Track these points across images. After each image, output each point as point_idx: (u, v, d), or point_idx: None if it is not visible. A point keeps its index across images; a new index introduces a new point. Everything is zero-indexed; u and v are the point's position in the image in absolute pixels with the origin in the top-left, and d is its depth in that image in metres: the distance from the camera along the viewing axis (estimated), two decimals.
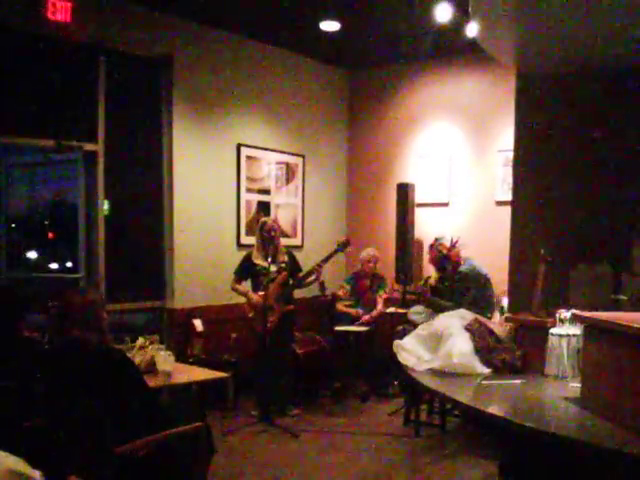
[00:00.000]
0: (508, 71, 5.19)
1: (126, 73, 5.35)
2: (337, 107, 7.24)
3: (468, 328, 3.24)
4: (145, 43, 5.37)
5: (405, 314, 5.60)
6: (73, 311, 2.90)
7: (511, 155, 5.07)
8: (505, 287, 5.03)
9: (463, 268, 5.17)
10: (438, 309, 4.82)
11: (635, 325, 2.14)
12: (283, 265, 5.33)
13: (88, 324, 2.90)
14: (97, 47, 5.06)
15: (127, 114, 5.41)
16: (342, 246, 5.46)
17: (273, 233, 5.30)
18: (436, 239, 5.41)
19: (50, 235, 7.83)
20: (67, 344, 2.90)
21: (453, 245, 5.28)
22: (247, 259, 5.41)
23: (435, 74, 6.69)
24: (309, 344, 5.94)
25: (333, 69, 7.15)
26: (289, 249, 5.65)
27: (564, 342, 2.89)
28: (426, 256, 5.85)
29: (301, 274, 5.42)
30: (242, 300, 5.40)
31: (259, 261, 5.29)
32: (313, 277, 5.41)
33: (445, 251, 5.24)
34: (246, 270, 5.39)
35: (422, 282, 5.68)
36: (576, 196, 4.51)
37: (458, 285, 5.13)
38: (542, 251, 3.59)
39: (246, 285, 5.44)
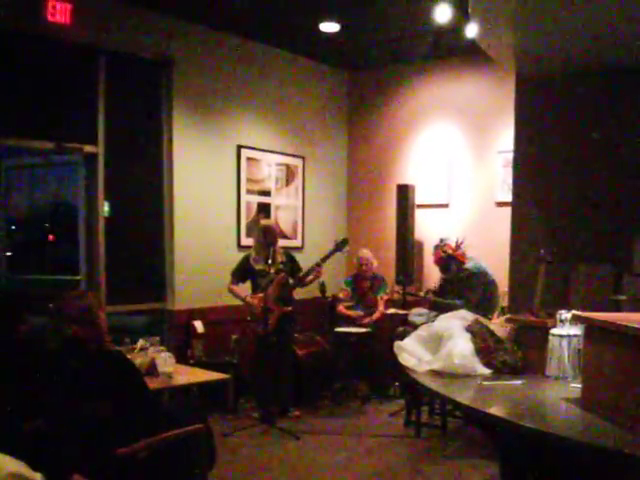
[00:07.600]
0: (508, 72, 5.20)
1: (126, 75, 5.35)
2: (337, 108, 7.24)
3: (469, 329, 3.24)
4: (145, 45, 5.37)
5: (405, 315, 5.59)
6: (69, 312, 2.90)
7: (511, 156, 5.08)
8: (505, 288, 5.04)
9: (468, 266, 5.18)
10: (444, 308, 4.80)
11: (635, 325, 2.14)
12: (281, 266, 5.34)
13: (85, 325, 2.90)
14: (97, 49, 5.06)
15: (127, 116, 5.41)
16: (340, 245, 5.46)
17: (277, 237, 5.33)
18: (441, 240, 5.41)
19: (50, 237, 7.84)
20: (66, 346, 2.89)
21: (458, 245, 5.29)
22: (245, 261, 5.41)
23: (435, 75, 6.69)
24: (309, 345, 5.94)
25: (333, 70, 7.15)
26: (287, 249, 5.67)
27: (565, 343, 2.88)
28: (427, 257, 5.85)
29: (301, 274, 5.43)
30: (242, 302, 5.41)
31: (259, 265, 5.29)
32: (312, 276, 5.40)
33: (450, 251, 5.25)
34: (244, 272, 5.40)
35: (424, 292, 5.66)
36: (576, 197, 4.52)
37: (464, 283, 5.14)
38: (542, 251, 3.60)
39: (244, 287, 5.44)
